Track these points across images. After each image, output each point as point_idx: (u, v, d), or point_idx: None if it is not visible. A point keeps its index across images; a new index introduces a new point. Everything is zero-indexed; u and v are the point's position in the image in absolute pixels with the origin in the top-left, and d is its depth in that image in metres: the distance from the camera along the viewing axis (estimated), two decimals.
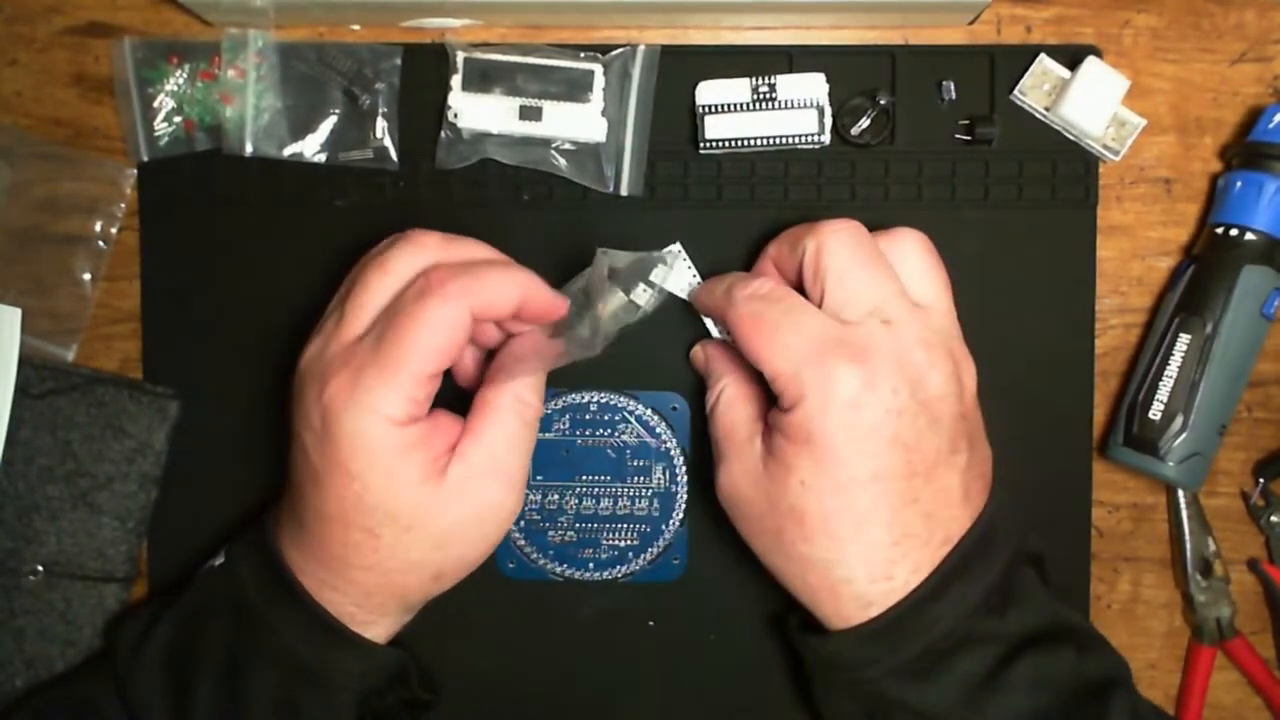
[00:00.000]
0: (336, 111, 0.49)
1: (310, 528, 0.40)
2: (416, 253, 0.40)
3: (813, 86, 0.48)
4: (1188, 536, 0.49)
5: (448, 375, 0.42)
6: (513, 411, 0.41)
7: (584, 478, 0.49)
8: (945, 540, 0.39)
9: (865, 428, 0.38)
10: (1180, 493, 0.50)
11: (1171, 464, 0.47)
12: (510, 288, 0.40)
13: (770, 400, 0.41)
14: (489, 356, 0.45)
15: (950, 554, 0.39)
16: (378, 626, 0.41)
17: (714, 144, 0.48)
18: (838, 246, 0.40)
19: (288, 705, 0.40)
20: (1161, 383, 0.47)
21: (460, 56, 0.48)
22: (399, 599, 0.41)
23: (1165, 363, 0.47)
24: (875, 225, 0.49)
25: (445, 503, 0.39)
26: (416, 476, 0.38)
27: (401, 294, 0.39)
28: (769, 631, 0.49)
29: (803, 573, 0.39)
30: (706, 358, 0.46)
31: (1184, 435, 0.46)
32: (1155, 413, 0.47)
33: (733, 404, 0.43)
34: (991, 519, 0.40)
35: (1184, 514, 0.49)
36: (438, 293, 0.38)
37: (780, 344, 0.39)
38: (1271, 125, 0.47)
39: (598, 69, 0.48)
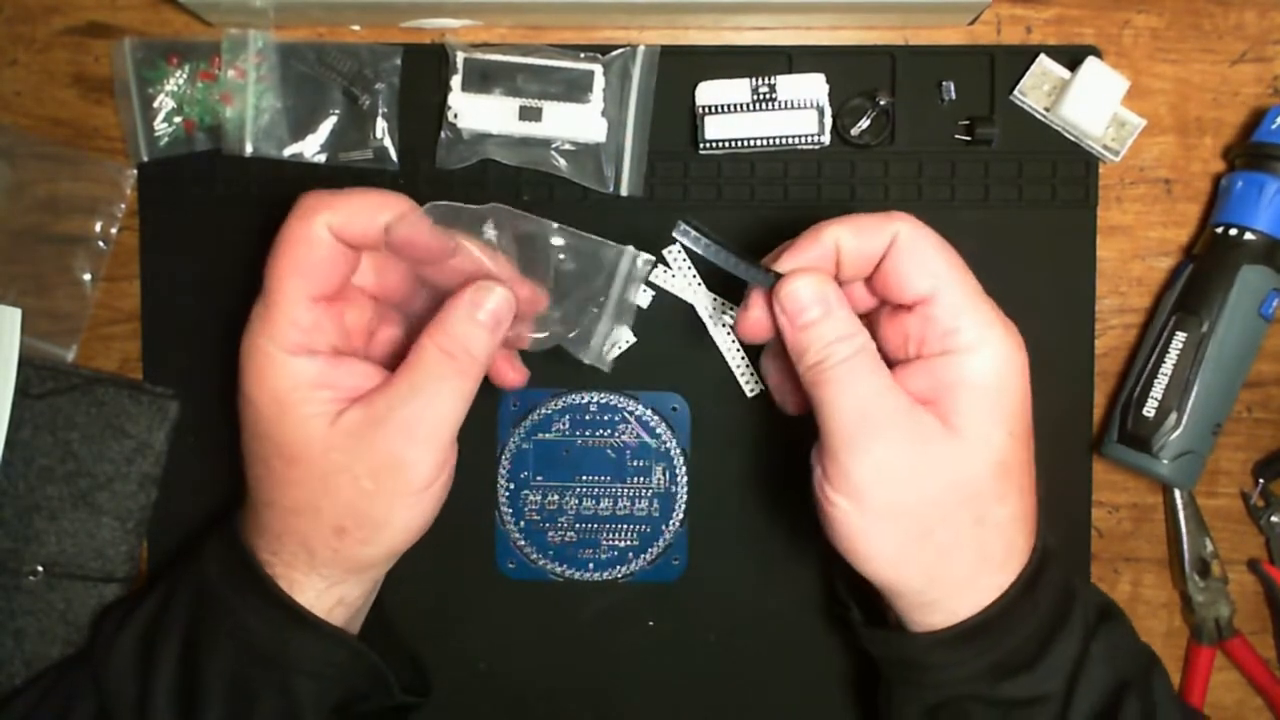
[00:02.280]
0: (336, 112, 0.49)
1: (244, 473, 0.41)
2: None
3: (813, 87, 0.48)
4: (1185, 537, 0.49)
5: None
6: (437, 364, 0.38)
7: (584, 478, 0.49)
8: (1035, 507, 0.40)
9: (1028, 379, 0.39)
10: (1177, 493, 0.50)
11: (1165, 461, 0.47)
12: (374, 205, 0.39)
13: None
14: None
15: (1034, 542, 0.39)
16: (304, 589, 0.40)
17: (714, 144, 0.48)
18: (926, 245, 0.39)
19: (243, 685, 0.40)
20: (1156, 380, 0.47)
21: (460, 57, 0.48)
22: (305, 549, 0.39)
23: (1160, 361, 0.47)
24: None
25: (332, 442, 0.38)
26: (305, 409, 0.38)
27: None
28: (769, 631, 0.49)
29: (984, 541, 0.38)
30: (828, 304, 0.37)
31: (1177, 433, 0.46)
32: (1149, 410, 0.47)
33: (876, 369, 0.37)
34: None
35: (1181, 514, 0.49)
36: (294, 212, 0.39)
37: (964, 277, 0.38)
38: (1274, 126, 0.47)
39: (598, 69, 0.48)
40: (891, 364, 0.39)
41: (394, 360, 0.41)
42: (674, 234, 0.39)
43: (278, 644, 0.40)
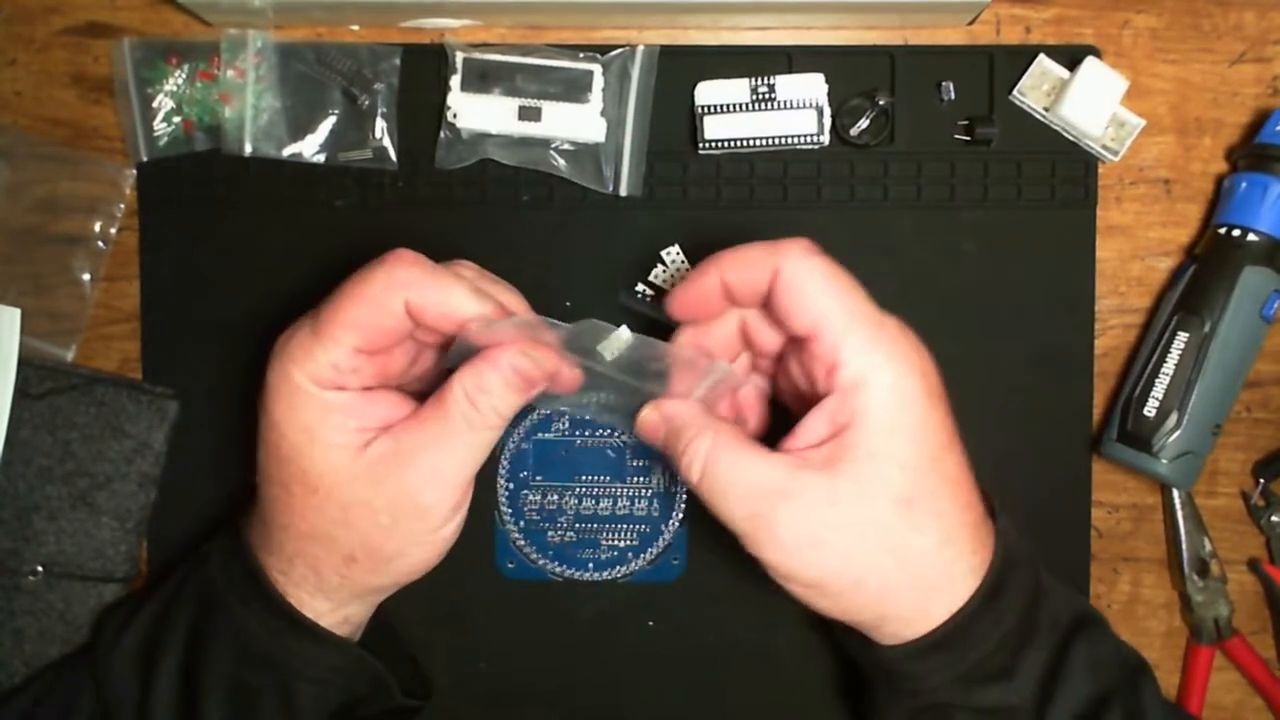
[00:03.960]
0: (336, 112, 0.49)
1: (258, 489, 0.41)
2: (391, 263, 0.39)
3: (812, 87, 0.48)
4: (1183, 537, 0.49)
5: None
6: (462, 411, 0.38)
7: (584, 478, 0.49)
8: (987, 519, 0.39)
9: (937, 394, 0.37)
10: (1175, 493, 0.50)
11: (1164, 461, 0.47)
12: (460, 302, 0.38)
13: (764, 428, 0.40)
14: None
15: (997, 546, 0.39)
16: (310, 608, 0.40)
17: (713, 144, 0.48)
18: (808, 278, 0.38)
19: (244, 690, 0.40)
20: (1157, 380, 0.47)
21: (459, 57, 0.48)
22: (314, 573, 0.40)
23: (1162, 360, 0.47)
24: (875, 226, 0.49)
25: (354, 474, 0.38)
26: (332, 439, 0.38)
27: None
28: (768, 631, 0.49)
29: (916, 573, 0.37)
30: (665, 417, 0.40)
31: (1177, 433, 0.46)
32: (1150, 409, 0.47)
33: (740, 453, 0.38)
34: (1002, 516, 0.40)
35: (1179, 514, 0.49)
36: (379, 270, 0.38)
37: (850, 307, 0.37)
38: (1278, 128, 0.47)
39: (597, 69, 0.48)
40: (807, 402, 0.39)
41: (425, 385, 0.41)
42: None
43: (279, 650, 0.40)
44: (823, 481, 0.36)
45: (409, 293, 0.38)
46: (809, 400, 0.38)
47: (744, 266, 0.39)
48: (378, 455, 0.38)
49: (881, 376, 0.36)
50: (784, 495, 0.36)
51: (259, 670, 0.40)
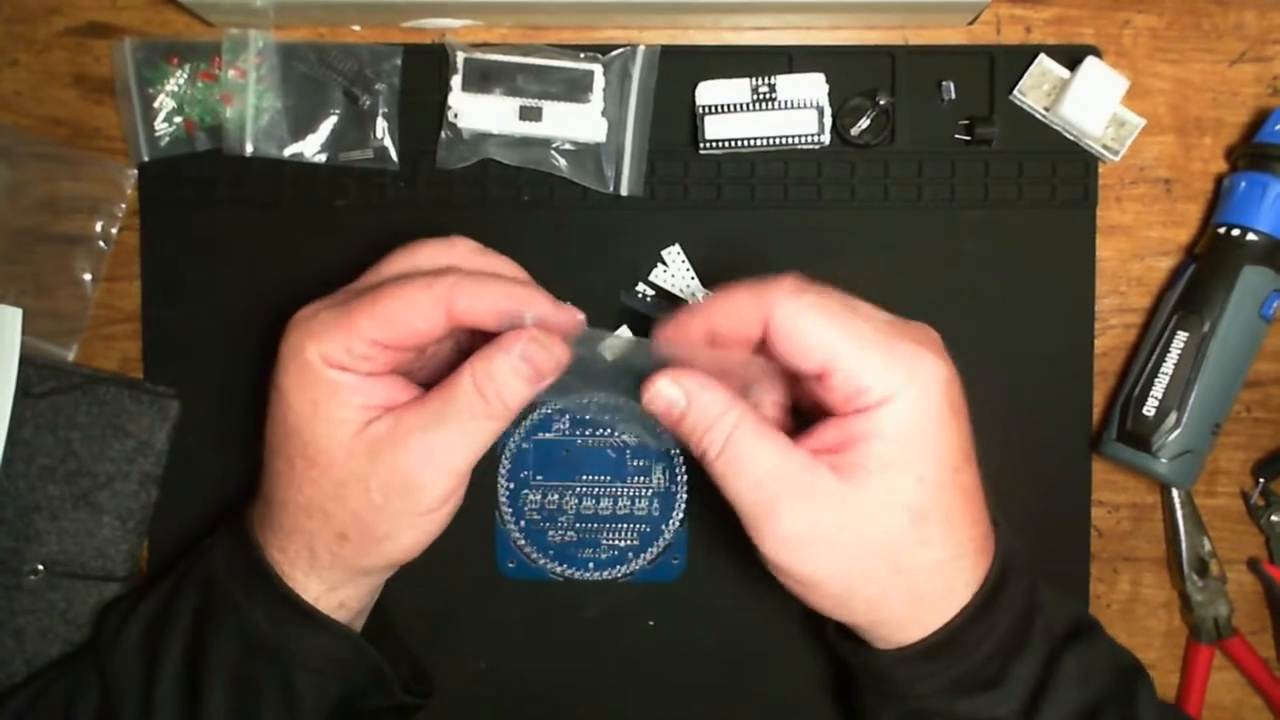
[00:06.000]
0: (337, 112, 0.49)
1: (263, 465, 0.41)
2: (446, 250, 0.40)
3: (812, 87, 0.48)
4: (1183, 536, 0.50)
5: None
6: (468, 397, 0.37)
7: (584, 478, 0.49)
8: (990, 528, 0.39)
9: (958, 406, 0.37)
10: (1175, 492, 0.50)
11: (1164, 460, 0.47)
12: (498, 301, 0.38)
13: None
14: None
15: (995, 555, 0.38)
16: (306, 590, 0.40)
17: (714, 144, 0.48)
18: (805, 319, 0.37)
19: (246, 679, 0.40)
20: (1157, 379, 0.47)
21: (460, 57, 0.48)
22: (308, 550, 0.40)
23: (1161, 360, 0.47)
24: (876, 226, 0.49)
25: (354, 450, 0.38)
26: (336, 414, 0.38)
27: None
28: (768, 631, 0.49)
29: (915, 583, 0.37)
30: (688, 392, 0.37)
31: (1177, 432, 0.46)
32: (1149, 409, 0.47)
33: (760, 438, 0.37)
34: (1001, 523, 0.40)
35: (1179, 514, 0.50)
36: (426, 279, 0.38)
37: (857, 334, 0.36)
38: (1278, 128, 0.47)
39: (598, 69, 0.48)
40: (811, 414, 0.38)
41: (434, 376, 0.41)
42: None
43: (281, 638, 0.40)
44: (836, 484, 0.36)
45: (454, 304, 0.37)
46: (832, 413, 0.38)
47: (732, 315, 0.37)
48: (377, 433, 0.38)
49: (903, 393, 0.36)
50: (795, 488, 0.36)
51: (261, 660, 0.40)
